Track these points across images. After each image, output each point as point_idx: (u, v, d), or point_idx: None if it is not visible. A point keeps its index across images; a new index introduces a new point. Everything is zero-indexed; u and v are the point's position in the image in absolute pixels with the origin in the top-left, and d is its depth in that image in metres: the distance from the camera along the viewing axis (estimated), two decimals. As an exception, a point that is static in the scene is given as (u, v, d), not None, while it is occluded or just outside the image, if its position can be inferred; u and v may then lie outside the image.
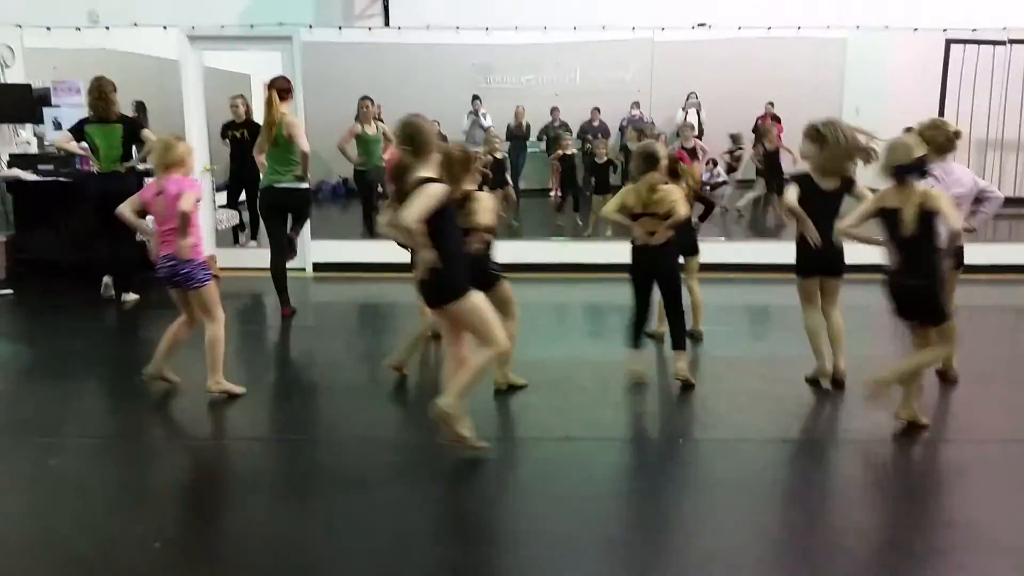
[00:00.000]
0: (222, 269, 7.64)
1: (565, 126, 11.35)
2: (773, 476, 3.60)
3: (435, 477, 3.59)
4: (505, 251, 7.39)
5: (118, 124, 6.59)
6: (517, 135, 11.24)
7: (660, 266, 4.58)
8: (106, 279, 6.88)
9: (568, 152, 9.32)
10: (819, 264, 4.45)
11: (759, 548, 3.00)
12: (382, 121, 8.95)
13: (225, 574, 2.84)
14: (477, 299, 3.56)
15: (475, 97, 11.32)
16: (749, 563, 2.89)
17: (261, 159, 6.12)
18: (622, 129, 10.99)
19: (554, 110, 11.45)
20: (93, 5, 7.85)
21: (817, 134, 4.30)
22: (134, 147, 6.71)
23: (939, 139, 4.38)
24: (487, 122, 11.26)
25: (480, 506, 3.37)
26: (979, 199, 4.52)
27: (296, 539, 3.03)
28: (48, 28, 7.76)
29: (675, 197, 4.47)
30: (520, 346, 5.24)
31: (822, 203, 4.33)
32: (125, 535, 3.09)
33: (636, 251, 4.60)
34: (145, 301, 6.81)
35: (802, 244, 4.42)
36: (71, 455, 3.85)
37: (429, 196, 3.37)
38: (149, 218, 4.51)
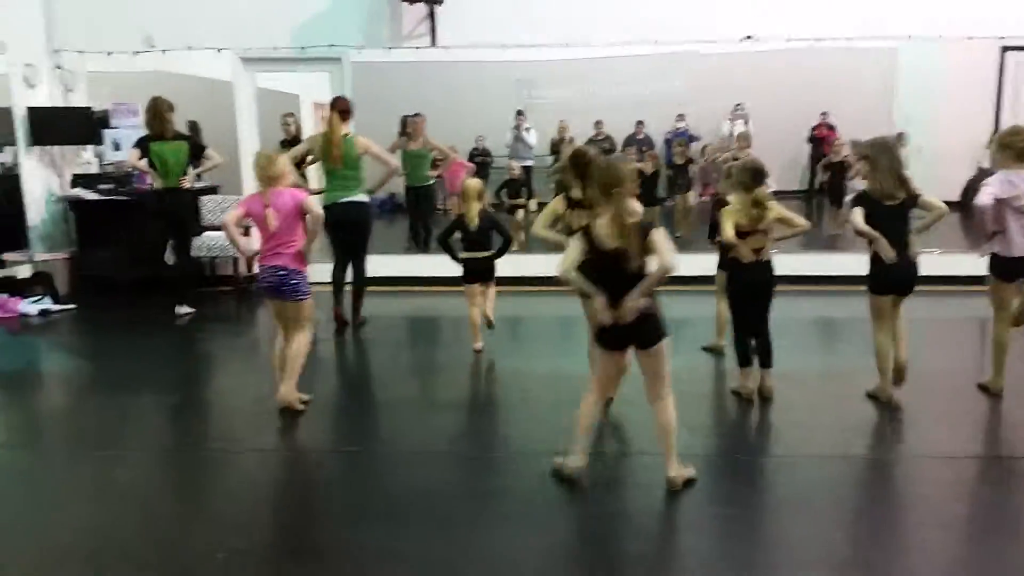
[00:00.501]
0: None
1: (609, 139, 11.37)
2: (835, 493, 3.53)
3: (491, 491, 3.60)
4: (547, 265, 7.40)
5: (184, 142, 6.78)
6: (560, 149, 11.29)
7: (768, 283, 4.51)
8: (178, 309, 7.00)
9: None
10: (895, 282, 4.37)
11: (822, 564, 2.94)
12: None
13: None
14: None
15: (519, 112, 11.41)
16: (814, 581, 2.85)
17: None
18: (668, 142, 10.98)
19: (598, 123, 11.49)
20: (150, 30, 8.08)
21: (867, 156, 4.33)
22: (190, 165, 6.89)
23: (1018, 145, 4.32)
24: (531, 136, 11.34)
25: (531, 522, 3.33)
26: None
27: (354, 553, 3.07)
28: (108, 53, 8.01)
29: (785, 211, 4.46)
30: (569, 359, 5.25)
31: (888, 219, 4.26)
32: (189, 546, 3.15)
33: (740, 269, 4.48)
34: (201, 315, 6.97)
35: (876, 261, 4.34)
36: (134, 467, 3.94)
37: (666, 237, 3.35)
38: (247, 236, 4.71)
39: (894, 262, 4.24)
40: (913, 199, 4.26)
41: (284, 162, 4.48)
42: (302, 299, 4.43)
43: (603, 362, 3.58)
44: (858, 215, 4.30)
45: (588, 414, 3.57)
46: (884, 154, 4.28)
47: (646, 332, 3.40)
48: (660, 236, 3.33)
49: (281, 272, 4.37)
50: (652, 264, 3.32)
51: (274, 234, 4.36)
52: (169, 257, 7.13)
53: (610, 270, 3.36)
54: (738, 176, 4.48)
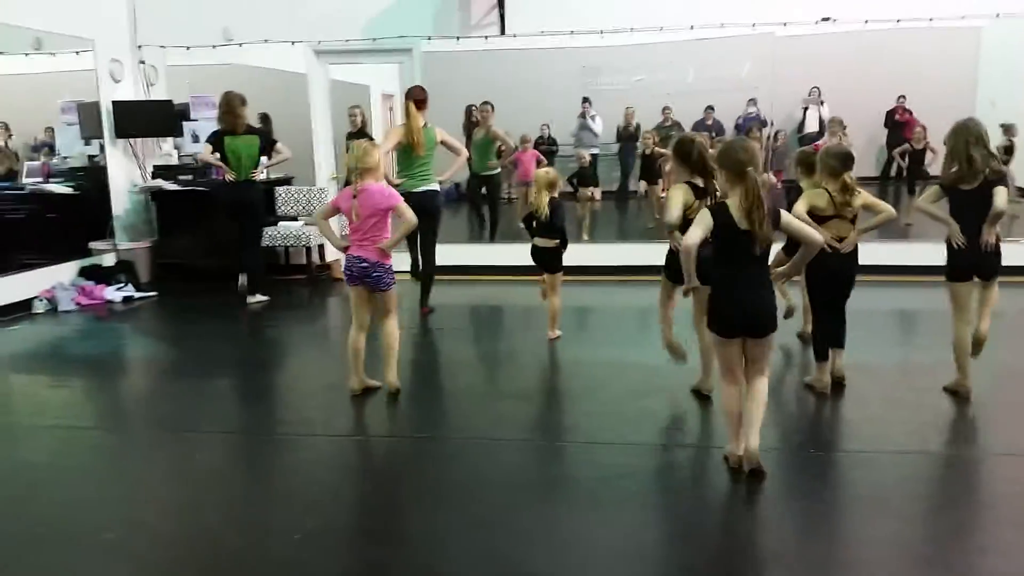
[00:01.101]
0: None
1: (677, 126, 11.18)
2: (912, 490, 3.44)
3: (559, 481, 3.62)
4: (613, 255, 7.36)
5: (256, 137, 6.96)
6: (626, 136, 11.18)
7: (850, 273, 4.40)
8: (242, 278, 7.32)
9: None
10: (972, 267, 4.23)
11: (900, 563, 2.88)
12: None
13: (360, 566, 2.96)
14: None
15: (585, 99, 11.33)
16: (891, 579, 2.79)
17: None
18: (739, 127, 10.75)
19: (666, 109, 11.31)
20: (227, 24, 8.30)
21: (947, 138, 4.23)
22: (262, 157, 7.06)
23: None
24: (596, 124, 11.25)
25: (599, 512, 3.33)
26: None
27: (426, 536, 3.13)
28: (187, 47, 8.28)
29: (871, 197, 4.38)
30: (637, 349, 5.23)
31: (965, 204, 4.14)
32: (267, 525, 3.26)
33: (822, 259, 4.12)
34: (275, 303, 7.16)
35: (951, 247, 4.23)
36: (212, 449, 4.09)
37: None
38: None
39: (965, 247, 4.14)
40: (989, 184, 4.09)
41: (379, 155, 4.59)
42: (387, 289, 4.55)
43: (722, 353, 3.51)
44: (924, 196, 4.28)
45: (731, 404, 3.51)
46: (957, 136, 4.16)
47: (764, 321, 3.37)
48: (792, 218, 3.34)
49: (364, 264, 4.48)
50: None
51: (359, 227, 4.47)
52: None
53: (737, 250, 3.32)
54: (825, 160, 4.36)
